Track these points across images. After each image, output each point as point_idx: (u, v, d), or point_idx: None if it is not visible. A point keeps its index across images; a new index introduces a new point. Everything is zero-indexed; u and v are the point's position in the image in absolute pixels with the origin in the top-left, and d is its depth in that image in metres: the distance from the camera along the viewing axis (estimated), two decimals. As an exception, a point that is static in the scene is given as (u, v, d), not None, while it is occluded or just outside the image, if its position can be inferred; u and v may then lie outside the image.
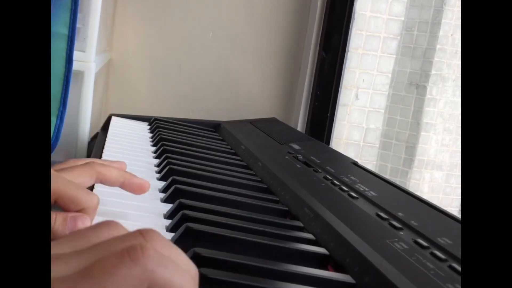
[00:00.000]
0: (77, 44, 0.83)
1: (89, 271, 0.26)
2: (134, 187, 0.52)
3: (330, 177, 0.69)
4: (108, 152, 0.76)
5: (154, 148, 0.85)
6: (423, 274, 0.41)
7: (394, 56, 1.64)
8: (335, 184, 0.67)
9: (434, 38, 2.08)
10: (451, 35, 2.06)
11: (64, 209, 0.45)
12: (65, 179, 0.45)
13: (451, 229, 0.53)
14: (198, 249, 0.42)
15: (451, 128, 2.12)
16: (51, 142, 0.81)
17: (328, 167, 0.75)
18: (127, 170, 0.58)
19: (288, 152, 0.84)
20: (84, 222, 0.43)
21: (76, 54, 0.82)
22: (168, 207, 0.56)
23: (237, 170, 0.77)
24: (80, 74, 0.89)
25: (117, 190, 0.58)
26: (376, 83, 1.56)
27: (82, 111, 0.91)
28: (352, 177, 0.70)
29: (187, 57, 1.27)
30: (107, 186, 0.53)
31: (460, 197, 2.03)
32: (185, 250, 0.43)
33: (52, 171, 0.45)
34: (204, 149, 0.86)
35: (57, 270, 0.27)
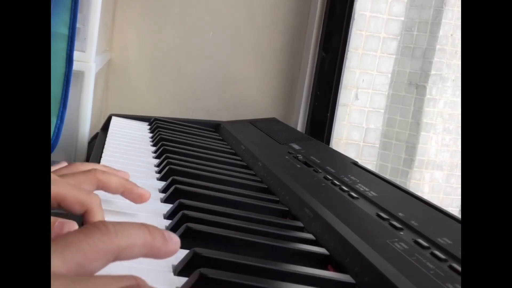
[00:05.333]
0: (77, 44, 0.83)
1: None
2: (134, 196, 0.52)
3: (330, 177, 0.69)
4: (108, 152, 0.75)
5: (154, 148, 0.84)
6: (423, 274, 0.41)
7: (394, 56, 1.64)
8: (335, 184, 0.67)
9: (434, 38, 2.08)
10: (451, 35, 2.07)
11: (69, 211, 0.45)
12: (66, 183, 0.45)
13: (451, 229, 0.54)
14: (198, 249, 0.42)
15: (451, 128, 2.12)
16: (51, 142, 0.81)
17: (328, 167, 0.75)
18: (128, 170, 0.58)
19: (288, 152, 0.84)
20: (71, 227, 0.43)
21: (76, 54, 0.82)
22: (168, 207, 0.56)
23: (237, 170, 0.77)
24: (80, 74, 0.89)
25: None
26: (376, 83, 1.56)
27: (82, 111, 0.91)
28: (352, 177, 0.70)
29: (187, 57, 1.27)
30: None
31: (460, 197, 2.03)
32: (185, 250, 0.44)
33: (53, 175, 0.45)
34: (204, 149, 0.86)
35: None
